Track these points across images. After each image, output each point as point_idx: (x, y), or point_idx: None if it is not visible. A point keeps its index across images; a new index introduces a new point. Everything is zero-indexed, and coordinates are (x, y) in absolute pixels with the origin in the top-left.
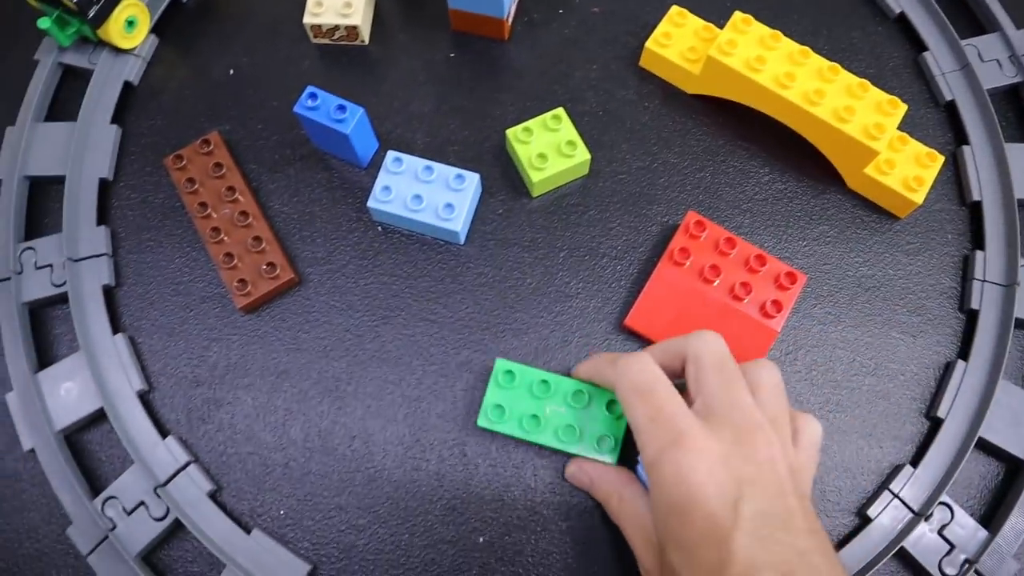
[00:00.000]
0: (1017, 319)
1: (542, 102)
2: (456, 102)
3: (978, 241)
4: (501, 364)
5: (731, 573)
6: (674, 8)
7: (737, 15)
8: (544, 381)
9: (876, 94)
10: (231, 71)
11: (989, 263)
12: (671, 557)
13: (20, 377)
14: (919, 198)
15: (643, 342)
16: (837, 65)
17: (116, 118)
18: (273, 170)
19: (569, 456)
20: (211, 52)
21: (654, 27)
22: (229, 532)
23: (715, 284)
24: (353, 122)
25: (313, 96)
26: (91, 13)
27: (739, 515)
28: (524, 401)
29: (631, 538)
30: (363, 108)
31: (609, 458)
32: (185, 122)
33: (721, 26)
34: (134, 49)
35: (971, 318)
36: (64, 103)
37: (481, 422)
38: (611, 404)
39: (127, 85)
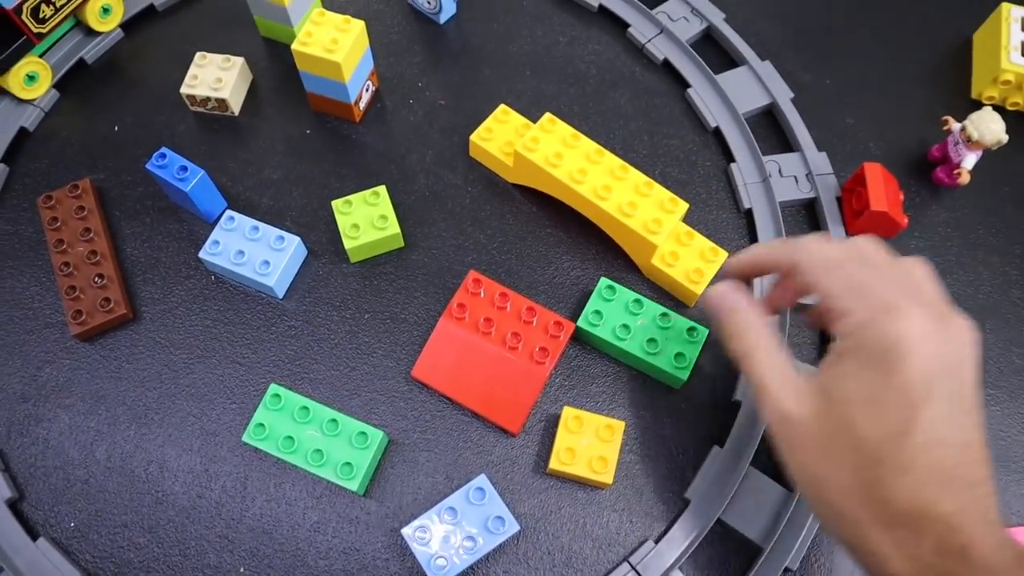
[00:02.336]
0: None
1: (377, 179)
2: (303, 172)
3: None
4: (272, 388)
5: (913, 441)
6: (500, 106)
7: (546, 116)
8: (304, 407)
9: (660, 192)
10: (116, 128)
11: None
12: (849, 410)
13: None
14: (700, 289)
15: (430, 393)
16: (627, 165)
17: (7, 158)
18: (132, 217)
19: (321, 479)
20: (103, 109)
21: None
22: (15, 537)
23: (491, 335)
24: (193, 181)
25: (162, 156)
26: None
27: (933, 389)
28: (285, 423)
29: (763, 375)
30: (204, 170)
31: (351, 485)
32: (67, 168)
33: None
34: (34, 100)
35: (735, 407)
36: None
37: (245, 438)
38: (360, 436)
39: (22, 130)
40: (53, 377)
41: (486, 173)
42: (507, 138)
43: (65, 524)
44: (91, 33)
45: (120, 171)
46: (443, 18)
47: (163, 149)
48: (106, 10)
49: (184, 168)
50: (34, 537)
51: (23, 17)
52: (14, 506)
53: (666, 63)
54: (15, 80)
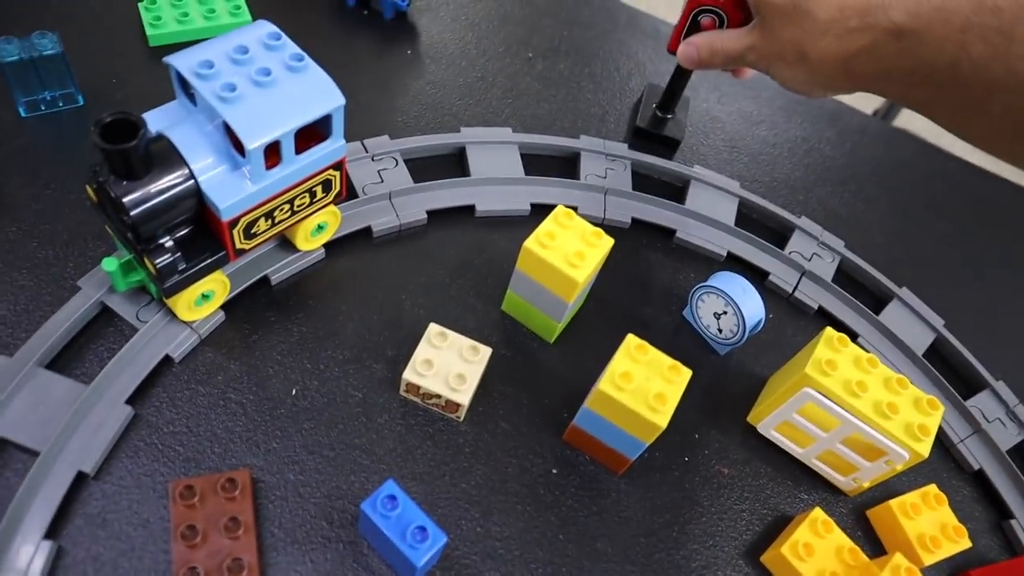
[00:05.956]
0: None
1: (646, 559)
2: (539, 527)
3: None
4: None
5: None
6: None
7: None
8: None
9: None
10: (295, 390)
11: None
12: None
13: None
14: None
15: None
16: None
17: (134, 397)
18: (299, 544)
19: None
20: (281, 355)
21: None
22: None
23: None
24: (429, 553)
25: (392, 499)
26: (168, 283)
27: None
28: None
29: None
30: (447, 536)
31: None
32: (215, 434)
33: None
34: (193, 322)
35: None
36: (80, 349)
37: None
38: None
39: (166, 359)
40: None
41: None
42: None
43: None
44: (288, 249)
45: (290, 463)
46: (724, 349)
47: (393, 486)
48: (320, 227)
49: (423, 530)
50: None
51: (235, 231)
52: None
53: (981, 473)
54: (184, 301)
